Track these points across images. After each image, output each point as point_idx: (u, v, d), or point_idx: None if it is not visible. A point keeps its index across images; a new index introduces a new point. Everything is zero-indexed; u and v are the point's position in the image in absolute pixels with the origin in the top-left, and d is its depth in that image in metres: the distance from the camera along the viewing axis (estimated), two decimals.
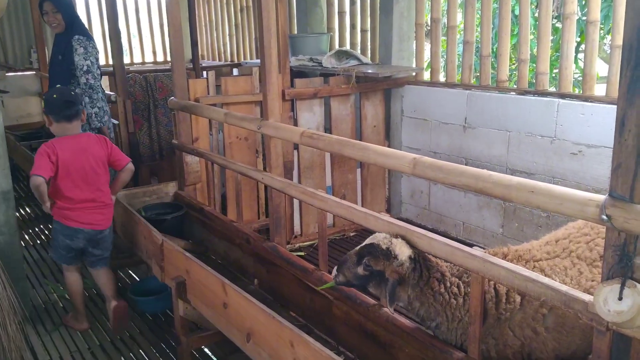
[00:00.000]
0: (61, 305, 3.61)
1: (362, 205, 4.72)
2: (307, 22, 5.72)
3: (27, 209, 5.44)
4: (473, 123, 4.12)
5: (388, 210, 4.94)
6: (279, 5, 4.11)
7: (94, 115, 3.87)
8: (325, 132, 4.43)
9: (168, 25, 3.56)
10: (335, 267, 2.09)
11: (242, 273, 3.25)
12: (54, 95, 2.98)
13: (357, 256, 2.02)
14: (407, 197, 4.86)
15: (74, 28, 3.97)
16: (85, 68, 3.85)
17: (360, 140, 4.60)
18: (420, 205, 4.73)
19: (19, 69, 7.07)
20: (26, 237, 4.70)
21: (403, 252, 1.95)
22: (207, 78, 3.93)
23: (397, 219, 4.71)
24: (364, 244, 2.04)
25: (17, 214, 3.38)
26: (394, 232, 2.06)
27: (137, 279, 3.91)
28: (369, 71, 4.33)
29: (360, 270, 2.02)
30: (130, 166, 3.12)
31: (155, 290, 3.41)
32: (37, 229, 4.91)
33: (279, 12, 4.11)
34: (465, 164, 4.17)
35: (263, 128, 2.79)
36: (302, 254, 4.15)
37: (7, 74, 6.41)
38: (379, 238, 2.01)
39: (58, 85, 3.46)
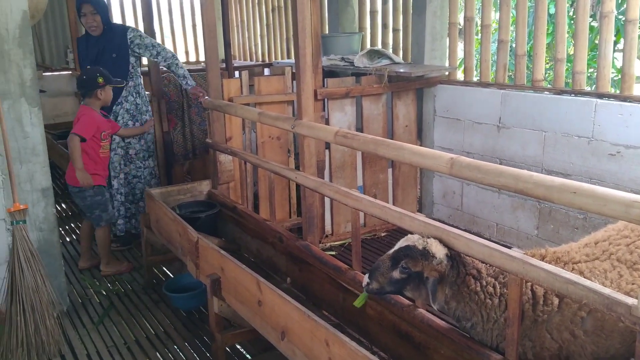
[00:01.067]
0: (98, 300, 3.69)
1: (394, 205, 4.71)
2: (339, 22, 5.72)
3: (64, 205, 5.57)
4: (507, 123, 4.07)
5: (420, 211, 4.92)
6: (312, 5, 4.11)
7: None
8: (357, 132, 4.47)
9: (202, 26, 3.61)
10: (367, 275, 2.08)
11: (275, 271, 3.27)
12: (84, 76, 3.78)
13: (392, 260, 2.01)
14: (439, 198, 4.83)
15: (111, 29, 4.10)
16: (164, 51, 4.16)
17: (393, 139, 4.59)
18: (453, 206, 4.69)
19: (56, 69, 7.23)
20: (64, 233, 4.82)
21: (439, 250, 1.94)
22: (240, 78, 3.96)
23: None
24: (397, 247, 2.03)
25: (56, 210, 3.45)
26: (430, 233, 2.05)
27: (171, 275, 3.97)
28: (401, 70, 4.31)
29: (396, 274, 2.01)
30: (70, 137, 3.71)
31: (189, 287, 3.46)
32: (73, 225, 5.02)
33: (312, 12, 4.12)
34: (500, 164, 4.17)
35: (297, 127, 2.81)
36: (333, 253, 4.16)
37: (44, 74, 6.57)
38: (414, 239, 2.01)
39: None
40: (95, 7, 3.99)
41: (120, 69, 4.07)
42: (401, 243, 2.05)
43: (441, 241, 2.01)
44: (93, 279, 3.97)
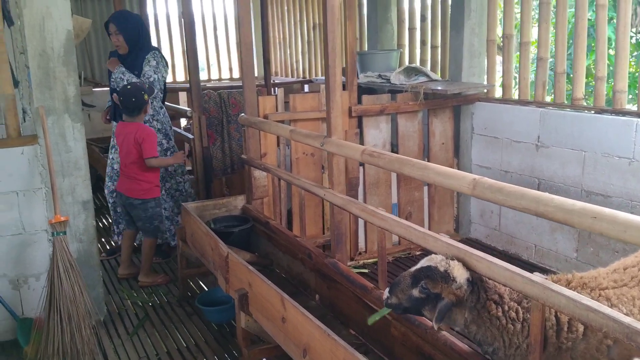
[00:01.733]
0: (134, 311, 3.78)
1: (429, 225, 4.66)
2: (378, 38, 5.74)
3: (103, 219, 5.74)
4: (546, 142, 3.98)
5: (456, 230, 4.84)
6: (347, 23, 4.16)
7: None
8: (392, 149, 4.46)
9: (240, 44, 3.68)
10: (387, 289, 2.07)
11: (304, 288, 3.28)
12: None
13: (413, 278, 2.00)
14: (476, 217, 4.75)
15: (138, 47, 4.26)
16: (151, 79, 4.22)
17: (428, 157, 4.57)
18: (490, 226, 4.60)
19: (105, 85, 7.50)
20: (102, 245, 4.98)
21: (461, 274, 1.91)
22: (276, 95, 4.03)
23: (466, 239, 4.70)
24: (419, 266, 2.02)
25: (96, 223, 3.57)
26: (453, 254, 2.03)
27: (205, 288, 4.04)
28: (438, 88, 4.29)
29: (415, 292, 1.99)
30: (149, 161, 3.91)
31: (221, 300, 3.51)
32: (103, 240, 5.16)
33: (348, 30, 4.17)
34: (538, 184, 4.09)
35: (326, 145, 2.83)
36: (365, 271, 4.14)
37: (94, 89, 6.82)
38: (436, 260, 1.98)
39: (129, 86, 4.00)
40: (117, 27, 4.17)
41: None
42: (423, 262, 2.03)
43: (464, 263, 1.98)
44: (131, 290, 4.08)
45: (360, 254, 4.43)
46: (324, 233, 4.40)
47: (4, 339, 3.32)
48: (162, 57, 4.39)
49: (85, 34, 4.00)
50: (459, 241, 4.51)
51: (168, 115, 4.53)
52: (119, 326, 3.59)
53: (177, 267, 4.17)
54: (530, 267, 4.06)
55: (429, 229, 4.60)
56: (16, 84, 3.33)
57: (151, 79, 4.24)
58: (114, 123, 4.40)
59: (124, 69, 4.26)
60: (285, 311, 2.43)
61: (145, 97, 3.91)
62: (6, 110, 3.18)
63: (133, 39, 4.23)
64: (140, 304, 3.87)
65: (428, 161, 4.54)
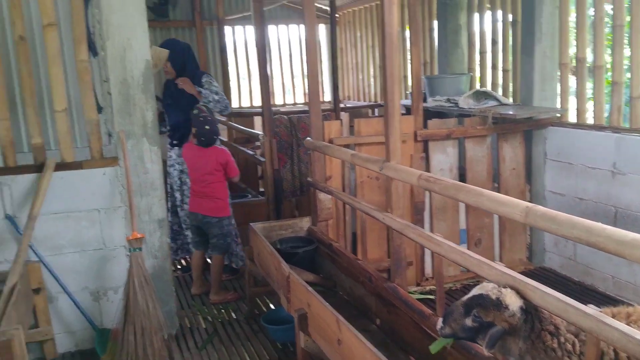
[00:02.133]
0: (204, 326, 3.94)
1: (500, 252, 4.56)
2: (448, 62, 5.73)
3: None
4: (623, 169, 3.81)
5: (529, 259, 4.70)
6: (413, 49, 4.21)
7: None
8: (459, 174, 4.42)
9: (307, 72, 3.81)
10: (440, 319, 2.07)
11: (365, 311, 3.30)
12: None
13: (465, 307, 1.99)
14: (550, 245, 4.58)
15: (185, 72, 4.55)
16: (216, 97, 4.54)
17: (499, 183, 4.48)
18: (565, 255, 4.43)
19: None
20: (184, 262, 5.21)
21: (514, 302, 1.89)
22: (341, 119, 4.12)
23: (540, 268, 4.56)
24: (471, 294, 2.01)
25: (169, 240, 3.77)
26: (507, 283, 2.00)
27: (272, 307, 4.14)
28: (509, 112, 4.23)
29: (468, 321, 1.98)
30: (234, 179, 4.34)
31: (286, 319, 3.59)
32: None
33: (413, 55, 4.21)
34: (615, 213, 3.91)
35: (384, 169, 2.87)
36: (431, 297, 4.10)
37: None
38: (488, 288, 1.97)
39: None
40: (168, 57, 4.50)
41: (188, 107, 4.50)
42: (475, 291, 2.02)
43: (517, 292, 1.95)
44: (202, 306, 4.25)
45: (427, 279, 4.40)
46: (388, 257, 4.40)
47: (83, 347, 3.56)
48: (212, 78, 4.74)
49: (163, 63, 4.27)
50: (532, 270, 4.47)
51: None
52: (189, 340, 3.75)
53: (245, 284, 4.33)
54: (607, 300, 3.88)
55: (500, 257, 4.55)
56: (100, 109, 3.61)
57: (216, 97, 4.53)
58: (171, 147, 4.70)
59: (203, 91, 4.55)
60: (340, 333, 2.47)
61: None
62: (90, 134, 3.45)
63: (180, 65, 4.55)
64: (210, 319, 4.03)
65: (498, 187, 4.48)
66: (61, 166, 3.39)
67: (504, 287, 1.95)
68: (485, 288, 1.98)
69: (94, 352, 3.46)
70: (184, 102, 4.51)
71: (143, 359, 3.28)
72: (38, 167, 3.33)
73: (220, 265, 4.29)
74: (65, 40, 3.90)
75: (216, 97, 4.53)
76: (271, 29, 8.25)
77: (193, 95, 4.51)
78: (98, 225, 3.49)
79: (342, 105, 7.15)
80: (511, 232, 4.52)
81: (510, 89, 5.04)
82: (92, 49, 3.52)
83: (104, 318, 3.57)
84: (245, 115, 6.91)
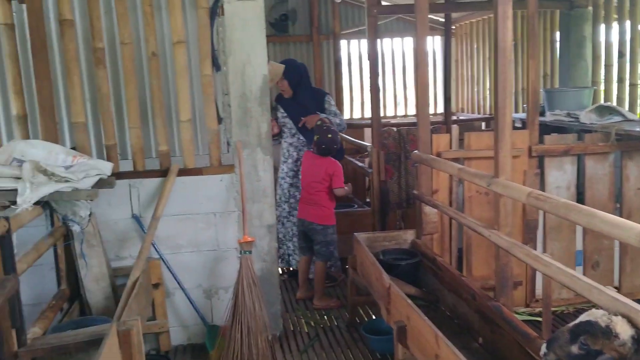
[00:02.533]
0: (306, 330, 4.05)
1: (620, 277, 4.25)
2: (570, 75, 5.45)
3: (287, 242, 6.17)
4: None
5: None
6: (530, 61, 4.07)
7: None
8: (577, 193, 4.19)
9: (416, 85, 3.82)
10: (544, 345, 1.99)
11: (468, 328, 3.24)
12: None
13: (571, 334, 1.90)
14: None
15: (300, 89, 4.75)
16: (337, 121, 4.75)
17: (621, 204, 4.19)
18: None
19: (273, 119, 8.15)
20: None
21: (625, 330, 1.78)
22: (450, 133, 4.07)
23: None
24: (578, 320, 1.91)
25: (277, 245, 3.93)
26: (618, 310, 1.89)
27: (373, 317, 4.17)
28: (636, 129, 3.95)
29: (574, 349, 1.89)
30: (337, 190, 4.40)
31: (387, 330, 3.60)
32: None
33: (531, 68, 4.07)
34: None
35: (492, 185, 2.80)
36: (539, 319, 3.91)
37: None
38: (597, 315, 1.87)
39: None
40: (283, 74, 4.69)
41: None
42: (583, 317, 1.93)
43: (629, 320, 1.84)
44: (306, 310, 4.38)
45: (537, 301, 4.20)
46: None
47: (195, 341, 3.81)
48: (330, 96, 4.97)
49: (279, 77, 4.48)
50: None
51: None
52: (292, 343, 3.87)
53: (347, 293, 4.39)
54: None
55: (619, 282, 4.24)
56: (220, 120, 3.86)
57: (339, 120, 4.75)
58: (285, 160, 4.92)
59: (324, 115, 4.72)
60: (439, 349, 2.45)
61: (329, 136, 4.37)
62: (210, 143, 3.70)
63: (296, 82, 4.74)
64: (312, 324, 4.14)
65: (620, 207, 4.19)
66: (183, 171, 3.66)
67: (615, 314, 1.84)
68: (594, 315, 1.89)
69: (204, 347, 3.68)
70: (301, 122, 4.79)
71: (248, 357, 3.45)
72: (163, 172, 3.63)
73: (323, 272, 4.40)
74: (192, 56, 4.23)
75: (337, 121, 4.73)
76: (387, 42, 8.31)
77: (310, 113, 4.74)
78: (213, 228, 3.73)
79: (454, 118, 7.05)
80: (633, 255, 4.19)
81: (638, 104, 4.69)
82: (216, 65, 3.78)
83: (215, 315, 3.79)
84: (355, 127, 7.01)
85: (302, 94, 4.78)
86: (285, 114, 4.86)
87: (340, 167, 4.42)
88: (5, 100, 3.97)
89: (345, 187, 4.42)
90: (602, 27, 5.19)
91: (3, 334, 2.29)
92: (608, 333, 1.81)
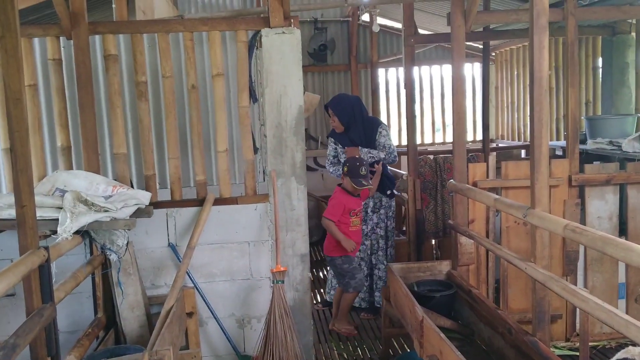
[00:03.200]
0: None
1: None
2: (612, 103, 5.32)
3: (320, 273, 6.16)
4: None
5: None
6: (570, 90, 4.01)
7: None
8: (620, 223, 4.06)
9: (452, 113, 3.80)
10: None
11: None
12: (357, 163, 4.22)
13: None
14: None
15: (354, 124, 4.67)
16: (393, 147, 4.70)
17: None
18: None
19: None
20: (317, 296, 5.38)
21: None
22: (487, 162, 4.02)
23: None
24: (615, 357, 1.86)
25: (312, 275, 3.93)
26: None
27: (407, 349, 4.10)
28: None
29: None
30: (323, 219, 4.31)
31: None
32: (322, 290, 5.52)
33: (570, 96, 4.01)
34: None
35: (528, 217, 2.75)
36: (577, 354, 3.77)
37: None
38: (634, 353, 1.82)
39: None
40: (334, 110, 4.69)
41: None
42: (620, 355, 1.88)
43: None
44: (339, 341, 4.34)
45: (577, 335, 4.05)
46: None
47: None
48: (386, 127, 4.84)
49: (315, 107, 4.56)
50: None
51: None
52: None
53: (381, 324, 4.33)
54: None
55: None
56: (256, 150, 3.92)
57: (392, 147, 4.70)
58: None
59: (365, 149, 4.67)
60: None
61: (344, 169, 4.24)
62: (246, 172, 3.76)
63: (348, 119, 4.66)
64: (345, 356, 4.09)
65: None
66: (219, 201, 3.72)
67: None
68: (630, 352, 1.84)
69: None
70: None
71: None
72: (200, 201, 3.70)
73: (347, 301, 4.38)
74: (231, 88, 4.34)
75: (382, 155, 4.64)
76: (425, 69, 8.32)
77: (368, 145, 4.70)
78: (247, 257, 3.76)
79: (493, 145, 6.96)
80: None
81: None
82: (253, 96, 3.86)
83: (247, 345, 3.80)
84: None
85: (355, 128, 4.71)
86: (342, 149, 4.80)
87: (338, 197, 4.27)
88: (52, 132, 4.15)
89: (328, 221, 4.23)
90: None
91: None
92: None
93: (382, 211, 4.78)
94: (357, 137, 4.68)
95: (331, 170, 4.90)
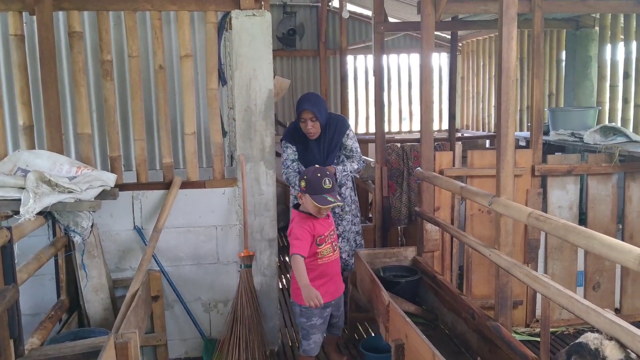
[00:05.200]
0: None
1: (621, 299, 4.24)
2: (574, 95, 5.46)
3: (285, 257, 6.15)
4: None
5: None
6: (535, 81, 4.09)
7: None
8: (579, 213, 4.18)
9: (420, 102, 3.83)
10: None
11: (466, 348, 3.22)
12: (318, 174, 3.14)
13: (566, 355, 1.92)
14: None
15: (329, 125, 3.91)
16: (359, 151, 4.05)
17: (623, 224, 4.19)
18: None
19: None
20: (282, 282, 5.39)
21: (613, 355, 1.79)
22: (453, 150, 4.08)
23: None
24: (573, 342, 1.93)
25: (278, 260, 3.92)
26: (614, 333, 1.88)
27: (372, 334, 4.15)
28: (639, 150, 3.94)
29: None
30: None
31: (386, 348, 3.58)
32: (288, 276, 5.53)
33: (535, 88, 4.09)
34: None
35: (493, 204, 2.80)
36: (538, 339, 3.88)
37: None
38: (589, 338, 1.89)
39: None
40: (316, 114, 3.76)
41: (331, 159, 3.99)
42: (580, 339, 1.94)
43: (622, 344, 1.84)
44: None
45: (537, 321, 4.18)
46: None
47: (192, 355, 3.80)
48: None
49: (284, 92, 4.48)
50: None
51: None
52: (290, 358, 3.85)
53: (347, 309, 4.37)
54: None
55: (620, 303, 4.22)
56: (225, 134, 3.88)
57: (359, 151, 4.06)
58: None
59: (340, 167, 3.93)
60: None
61: (302, 184, 3.15)
62: (214, 156, 3.72)
63: (325, 120, 3.89)
64: None
65: (623, 229, 4.18)
66: (186, 184, 3.68)
67: (610, 338, 1.84)
68: (587, 337, 1.91)
69: None
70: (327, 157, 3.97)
71: None
72: (166, 184, 3.65)
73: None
74: (199, 70, 4.27)
75: (355, 166, 3.99)
76: (393, 58, 8.35)
77: (334, 149, 3.97)
78: (214, 241, 3.73)
79: (458, 135, 7.06)
80: (634, 277, 4.18)
81: None
82: (222, 79, 3.80)
83: (213, 328, 3.79)
84: (360, 142, 7.00)
85: (326, 132, 3.91)
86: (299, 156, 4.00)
87: (299, 224, 3.15)
88: (13, 110, 4.02)
89: (298, 258, 3.00)
90: (608, 47, 5.20)
91: (1, 344, 2.30)
92: (596, 356, 1.84)
93: (348, 217, 4.11)
94: (333, 141, 3.93)
95: (291, 176, 3.91)
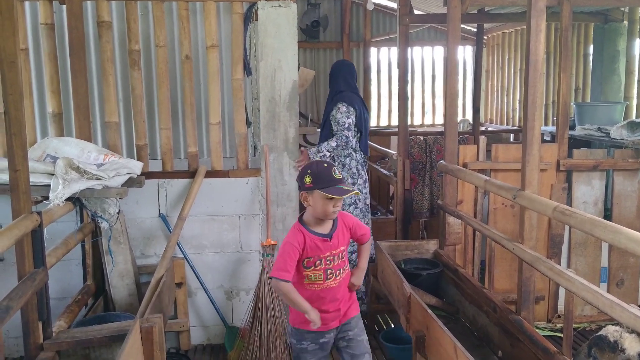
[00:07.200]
0: None
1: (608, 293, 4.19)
2: (602, 90, 5.37)
3: None
4: None
5: None
6: (562, 75, 4.04)
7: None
8: (604, 209, 4.14)
9: (445, 95, 3.82)
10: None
11: (487, 341, 3.22)
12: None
13: (588, 348, 1.93)
14: None
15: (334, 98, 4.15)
16: (344, 127, 4.05)
17: None
18: None
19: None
20: None
21: (632, 347, 1.80)
22: (477, 144, 4.05)
23: None
24: (594, 335, 1.95)
25: None
26: (638, 328, 1.88)
27: (392, 325, 4.16)
28: None
29: None
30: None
31: (405, 339, 3.59)
32: None
33: (562, 82, 4.04)
34: None
35: (518, 198, 2.79)
36: (560, 335, 3.86)
37: (317, 130, 7.51)
38: (609, 331, 1.90)
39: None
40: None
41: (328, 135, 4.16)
42: (601, 332, 1.96)
43: None
44: None
45: (559, 316, 4.15)
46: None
47: (214, 342, 3.85)
48: (350, 105, 4.11)
49: (309, 83, 4.49)
50: None
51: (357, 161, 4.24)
52: None
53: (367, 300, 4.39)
54: None
55: None
56: (249, 124, 3.91)
57: (346, 125, 4.06)
58: None
59: (314, 149, 4.08)
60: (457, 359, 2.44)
61: (307, 180, 2.51)
62: (238, 146, 3.75)
63: (333, 93, 4.30)
64: None
65: None
66: (211, 173, 3.72)
67: (631, 331, 1.84)
68: (607, 330, 1.93)
69: (223, 348, 3.73)
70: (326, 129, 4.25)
71: (266, 359, 3.48)
72: (191, 173, 3.69)
73: None
74: (225, 60, 4.30)
75: (332, 144, 4.05)
76: (417, 50, 8.30)
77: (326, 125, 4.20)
78: (237, 230, 3.77)
79: (482, 129, 7.00)
80: None
81: None
82: (247, 69, 3.83)
83: (235, 316, 3.84)
84: (382, 134, 7.01)
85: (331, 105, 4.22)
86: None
87: (286, 237, 2.59)
88: (42, 98, 4.10)
89: (280, 283, 2.47)
90: (637, 41, 5.11)
91: (30, 325, 2.36)
92: (614, 347, 1.86)
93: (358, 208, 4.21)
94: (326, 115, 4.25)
95: (349, 135, 4.04)
